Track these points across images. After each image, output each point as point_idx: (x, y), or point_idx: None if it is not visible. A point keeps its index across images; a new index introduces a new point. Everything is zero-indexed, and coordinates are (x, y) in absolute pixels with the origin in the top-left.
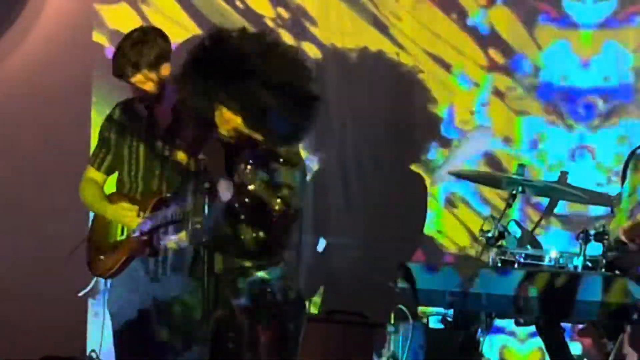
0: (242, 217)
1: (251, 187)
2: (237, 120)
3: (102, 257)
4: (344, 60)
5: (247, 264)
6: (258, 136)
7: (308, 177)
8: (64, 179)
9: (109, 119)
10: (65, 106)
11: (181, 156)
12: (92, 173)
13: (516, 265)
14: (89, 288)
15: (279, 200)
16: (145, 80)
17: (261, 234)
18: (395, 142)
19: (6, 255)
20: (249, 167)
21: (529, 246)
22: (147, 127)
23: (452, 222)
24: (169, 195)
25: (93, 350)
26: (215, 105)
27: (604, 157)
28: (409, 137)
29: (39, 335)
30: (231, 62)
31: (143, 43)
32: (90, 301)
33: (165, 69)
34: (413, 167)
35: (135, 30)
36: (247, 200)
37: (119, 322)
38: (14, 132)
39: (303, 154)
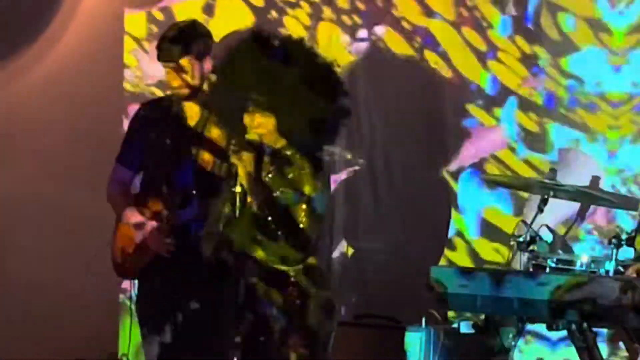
0: (269, 222)
1: (275, 194)
2: (269, 125)
3: (127, 258)
4: (375, 64)
5: (276, 268)
6: (285, 141)
7: (337, 182)
8: (95, 182)
9: (136, 116)
10: (97, 109)
11: (207, 156)
12: (120, 171)
13: (547, 270)
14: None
15: (303, 206)
16: (189, 67)
17: (288, 239)
18: (424, 147)
19: (38, 257)
20: (272, 173)
21: (560, 251)
22: (174, 125)
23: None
24: (194, 192)
25: (124, 354)
26: (247, 108)
27: None
28: (438, 142)
29: (70, 338)
30: (271, 65)
31: (194, 31)
32: (121, 303)
33: (208, 64)
34: (442, 172)
35: (184, 21)
36: (273, 206)
37: (147, 326)
38: (45, 135)
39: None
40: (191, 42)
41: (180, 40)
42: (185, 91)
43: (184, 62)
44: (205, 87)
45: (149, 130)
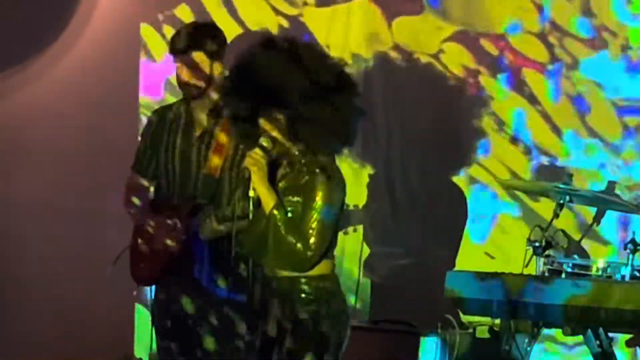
0: (281, 228)
1: (288, 200)
2: (283, 129)
3: (142, 265)
4: (391, 70)
5: (288, 274)
6: (299, 147)
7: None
8: (112, 185)
9: (148, 124)
10: (114, 112)
11: (216, 161)
12: (137, 179)
13: (563, 275)
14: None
15: (314, 213)
16: (199, 62)
17: (299, 245)
18: (439, 152)
19: (54, 261)
20: (284, 179)
21: (576, 256)
22: (183, 130)
23: None
24: (204, 202)
25: (140, 359)
26: (261, 112)
27: None
28: (453, 147)
29: (87, 342)
30: (279, 70)
31: (210, 30)
32: (137, 308)
33: (218, 67)
34: (456, 176)
35: (203, 21)
36: (287, 212)
37: (163, 332)
38: (61, 138)
39: (350, 163)
40: (205, 39)
41: (194, 35)
42: (193, 88)
43: (196, 55)
44: (214, 94)
45: (160, 137)
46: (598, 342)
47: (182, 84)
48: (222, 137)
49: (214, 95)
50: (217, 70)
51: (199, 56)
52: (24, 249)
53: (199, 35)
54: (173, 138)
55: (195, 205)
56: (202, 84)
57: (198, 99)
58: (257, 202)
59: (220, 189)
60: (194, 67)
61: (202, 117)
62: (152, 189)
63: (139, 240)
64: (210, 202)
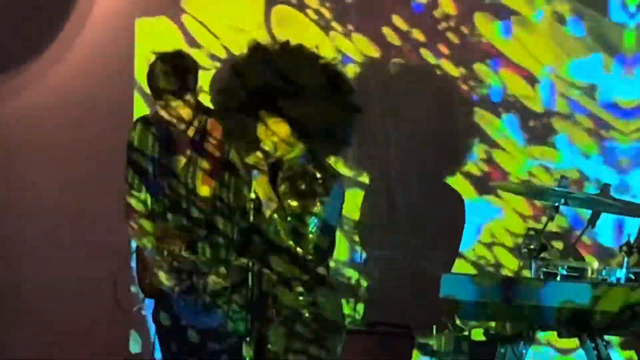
0: (282, 233)
1: (287, 204)
2: (282, 133)
3: (147, 280)
4: (387, 73)
5: (287, 277)
6: (298, 150)
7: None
8: (111, 187)
9: (130, 146)
10: (108, 115)
11: (204, 191)
12: (132, 199)
13: (558, 278)
14: (140, 305)
15: (313, 218)
16: (184, 106)
17: (299, 249)
18: (437, 156)
19: (51, 263)
20: (285, 184)
21: (571, 258)
22: (170, 139)
23: None
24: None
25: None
26: (259, 118)
27: None
28: (451, 151)
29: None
30: (276, 73)
31: (186, 64)
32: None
33: (198, 93)
34: (454, 180)
35: (171, 53)
36: (287, 216)
37: (163, 344)
38: (61, 140)
39: (347, 167)
40: (186, 78)
41: (174, 77)
42: (183, 126)
43: (183, 99)
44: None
45: (144, 154)
46: (594, 345)
47: (169, 122)
48: (212, 142)
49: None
50: (198, 94)
51: (181, 105)
52: (24, 250)
53: (178, 77)
54: (160, 146)
55: (191, 238)
56: (190, 117)
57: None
58: (258, 206)
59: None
60: (182, 109)
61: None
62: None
63: (142, 255)
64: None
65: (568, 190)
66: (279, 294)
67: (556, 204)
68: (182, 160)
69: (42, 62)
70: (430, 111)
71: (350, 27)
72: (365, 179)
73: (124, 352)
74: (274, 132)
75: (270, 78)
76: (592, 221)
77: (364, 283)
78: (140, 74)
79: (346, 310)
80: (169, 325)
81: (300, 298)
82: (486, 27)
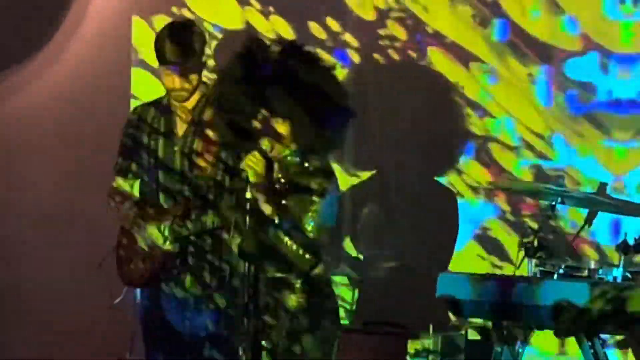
0: (279, 230)
1: (284, 201)
2: (281, 132)
3: (131, 265)
4: (383, 73)
5: (283, 275)
6: (293, 149)
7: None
8: (105, 186)
9: (127, 123)
10: (107, 114)
11: (204, 164)
12: (120, 182)
13: (555, 277)
14: (121, 297)
15: (309, 214)
16: (191, 73)
17: (295, 247)
18: (430, 155)
19: (48, 262)
20: (282, 181)
21: (568, 257)
22: (165, 133)
23: None
24: (197, 203)
25: None
26: (257, 116)
27: None
28: (445, 150)
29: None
30: (273, 70)
31: (193, 31)
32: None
33: (204, 64)
34: (447, 179)
35: (180, 21)
36: (283, 212)
37: (148, 336)
38: (56, 140)
39: (343, 166)
40: (193, 44)
41: (182, 41)
42: (184, 92)
43: (187, 68)
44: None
45: (140, 138)
46: (590, 343)
47: (172, 90)
48: (207, 141)
49: (196, 96)
50: (204, 69)
51: (190, 68)
52: (24, 250)
53: (187, 46)
54: (154, 140)
55: (187, 207)
56: (192, 88)
57: (185, 102)
58: (255, 204)
59: (214, 191)
60: (184, 76)
61: (184, 118)
62: (135, 187)
63: (124, 241)
64: (203, 205)
65: (565, 189)
66: (275, 294)
67: (553, 203)
68: (182, 128)
69: (39, 61)
70: (426, 110)
71: (271, 8)
72: (361, 178)
73: (124, 352)
74: (272, 132)
75: (271, 73)
76: (589, 220)
77: (360, 279)
78: (138, 74)
79: (346, 296)
80: (154, 318)
81: (295, 297)
82: None
